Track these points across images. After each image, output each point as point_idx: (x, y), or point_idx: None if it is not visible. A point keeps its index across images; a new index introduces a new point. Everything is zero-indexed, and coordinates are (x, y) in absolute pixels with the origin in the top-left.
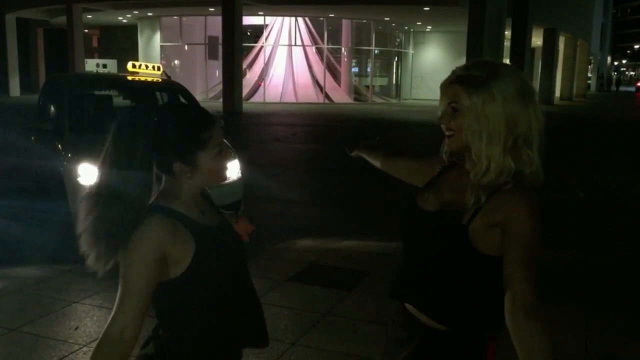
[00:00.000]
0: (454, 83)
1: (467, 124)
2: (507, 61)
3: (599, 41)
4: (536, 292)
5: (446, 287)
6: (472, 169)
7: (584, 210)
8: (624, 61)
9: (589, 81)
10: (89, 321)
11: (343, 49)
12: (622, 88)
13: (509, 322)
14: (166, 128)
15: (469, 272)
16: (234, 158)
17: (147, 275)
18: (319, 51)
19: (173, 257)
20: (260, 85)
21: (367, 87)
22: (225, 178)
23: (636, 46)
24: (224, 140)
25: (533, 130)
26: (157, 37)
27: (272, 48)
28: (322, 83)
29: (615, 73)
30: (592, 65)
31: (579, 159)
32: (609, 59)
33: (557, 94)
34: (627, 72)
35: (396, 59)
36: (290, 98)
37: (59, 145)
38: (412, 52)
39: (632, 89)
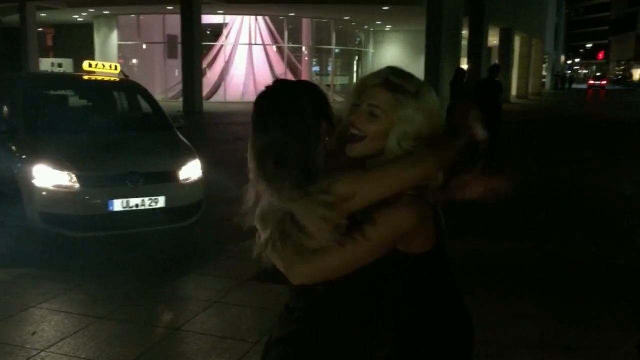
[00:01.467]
0: (383, 88)
1: (384, 133)
2: (465, 60)
3: (553, 40)
4: (313, 268)
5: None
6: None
7: (537, 203)
8: (577, 60)
9: (544, 80)
10: (46, 326)
11: (304, 48)
12: (575, 86)
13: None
14: (308, 93)
15: (399, 273)
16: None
17: None
18: (280, 50)
19: None
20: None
21: (328, 86)
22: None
23: (588, 45)
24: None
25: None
26: (115, 35)
27: (233, 47)
28: None
29: (569, 72)
30: (546, 64)
31: (536, 154)
32: (562, 57)
33: (514, 92)
34: (580, 71)
35: (357, 58)
36: (251, 97)
37: (13, 147)
38: (373, 51)
39: (585, 86)
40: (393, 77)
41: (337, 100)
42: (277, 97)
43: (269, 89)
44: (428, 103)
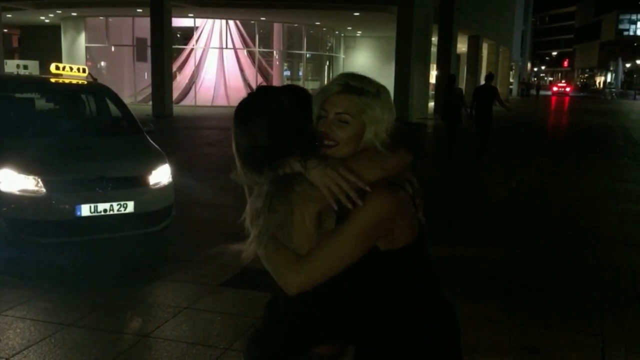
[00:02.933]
0: (349, 94)
1: (368, 135)
2: (434, 66)
3: (519, 48)
4: (309, 276)
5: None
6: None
7: (504, 208)
8: (542, 67)
9: (510, 86)
10: (11, 333)
11: (275, 52)
12: (542, 92)
13: (288, 255)
14: (298, 93)
15: (377, 271)
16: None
17: None
18: (251, 54)
19: None
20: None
21: None
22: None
23: (554, 53)
24: None
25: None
26: (82, 37)
27: (203, 51)
28: (254, 86)
29: (535, 79)
30: (513, 71)
31: (502, 161)
32: (529, 65)
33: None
34: (545, 78)
35: (328, 62)
36: (222, 101)
37: None
38: (344, 56)
39: (550, 92)
40: (352, 81)
41: None
42: (259, 101)
43: (250, 95)
44: (388, 100)
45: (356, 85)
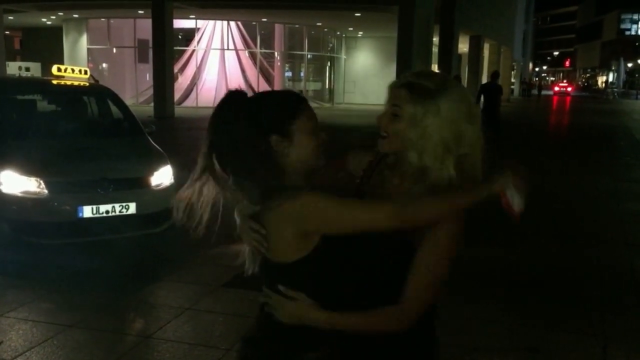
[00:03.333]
0: (403, 87)
1: (404, 132)
2: (435, 66)
3: (521, 48)
4: (419, 310)
5: (389, 289)
6: (404, 173)
7: (499, 209)
8: (544, 67)
9: (512, 86)
10: (14, 335)
11: (276, 53)
12: (544, 92)
13: (387, 309)
14: (261, 105)
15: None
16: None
17: None
18: (252, 55)
19: None
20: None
21: (301, 91)
22: (317, 159)
23: (555, 53)
24: (316, 124)
25: (477, 148)
26: (84, 39)
27: (205, 52)
28: (255, 87)
29: (537, 78)
30: (514, 71)
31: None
32: (530, 65)
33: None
34: (547, 78)
35: (329, 63)
36: None
37: None
38: (345, 57)
39: (552, 92)
40: (412, 77)
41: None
42: (222, 106)
43: (223, 97)
44: (449, 102)
45: (414, 82)
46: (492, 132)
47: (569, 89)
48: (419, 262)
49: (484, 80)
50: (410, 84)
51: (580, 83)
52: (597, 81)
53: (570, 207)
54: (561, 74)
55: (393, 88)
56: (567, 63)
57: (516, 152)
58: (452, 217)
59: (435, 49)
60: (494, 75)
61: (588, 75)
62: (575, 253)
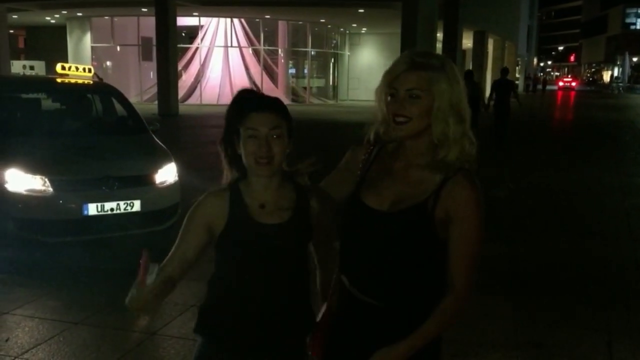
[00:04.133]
0: (416, 70)
1: (437, 108)
2: None
3: (525, 43)
4: (472, 287)
5: (408, 275)
6: (432, 151)
7: (508, 203)
8: (549, 62)
9: (517, 82)
10: (20, 332)
11: (280, 50)
12: (549, 87)
13: (444, 304)
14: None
15: (428, 257)
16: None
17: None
18: (256, 52)
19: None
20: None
21: (305, 88)
22: (254, 167)
23: (560, 48)
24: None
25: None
26: (88, 38)
27: (208, 49)
28: (259, 84)
29: (541, 74)
30: (519, 66)
31: (510, 157)
32: (535, 60)
33: (487, 94)
34: (552, 73)
35: (332, 60)
36: (227, 100)
37: None
38: (349, 53)
39: (556, 87)
40: (417, 57)
41: (313, 103)
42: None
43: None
44: (453, 73)
45: (422, 61)
46: (502, 128)
47: (573, 83)
48: (457, 246)
49: (489, 76)
50: (422, 65)
51: (585, 78)
52: (602, 76)
53: (576, 202)
54: (566, 69)
55: (400, 74)
56: (572, 58)
57: (520, 148)
58: (478, 205)
59: (439, 45)
60: (504, 71)
61: (593, 70)
62: (580, 248)
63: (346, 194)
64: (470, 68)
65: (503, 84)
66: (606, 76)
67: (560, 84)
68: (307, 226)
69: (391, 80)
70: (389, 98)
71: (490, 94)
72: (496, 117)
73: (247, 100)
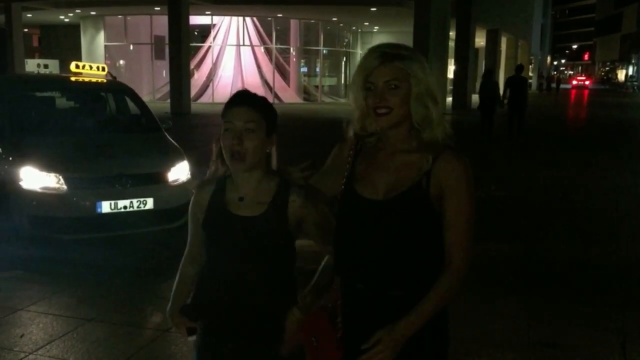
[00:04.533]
0: (390, 62)
1: (415, 94)
2: (452, 61)
3: (539, 41)
4: (470, 259)
5: (416, 259)
6: (413, 136)
7: (523, 202)
8: (562, 61)
9: (530, 80)
10: (34, 328)
11: (291, 49)
12: (563, 86)
13: (442, 279)
14: None
15: (432, 236)
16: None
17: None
18: (268, 51)
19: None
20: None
21: (316, 86)
22: (229, 162)
23: (574, 46)
24: (248, 128)
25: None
26: (101, 36)
27: (220, 48)
28: (271, 83)
29: (555, 72)
30: (532, 64)
31: (521, 156)
32: (548, 58)
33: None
34: (566, 71)
35: (344, 58)
36: None
37: (0, 149)
38: (361, 52)
39: (569, 86)
40: (388, 50)
41: (325, 101)
42: None
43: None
44: (425, 61)
45: (394, 53)
46: (518, 116)
47: (587, 82)
48: (451, 220)
49: (502, 75)
50: (396, 56)
51: (599, 76)
52: (616, 74)
53: (589, 202)
54: (580, 68)
55: (374, 69)
56: (586, 56)
57: (534, 147)
58: (468, 179)
59: (451, 44)
60: (518, 68)
61: (607, 68)
62: (594, 247)
63: (337, 191)
64: (489, 67)
65: (517, 81)
66: (621, 75)
67: (574, 82)
68: (283, 219)
69: (366, 76)
70: (366, 93)
71: (504, 91)
72: (510, 113)
73: (232, 98)
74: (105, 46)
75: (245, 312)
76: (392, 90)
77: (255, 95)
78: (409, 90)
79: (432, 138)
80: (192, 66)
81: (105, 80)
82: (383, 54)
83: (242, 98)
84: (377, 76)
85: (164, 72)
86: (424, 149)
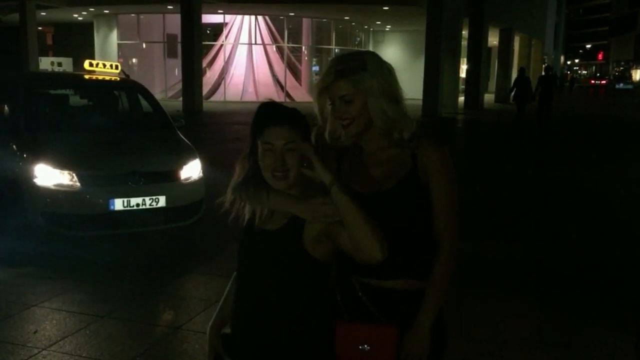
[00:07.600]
0: (341, 78)
1: (370, 103)
2: (464, 60)
3: (552, 41)
4: (458, 242)
5: (423, 245)
6: (388, 132)
7: (535, 202)
8: (576, 60)
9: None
10: (48, 324)
11: (303, 47)
12: (575, 85)
13: (442, 263)
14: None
15: (430, 222)
16: (283, 167)
17: None
18: (280, 50)
19: None
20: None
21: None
22: (271, 181)
23: (588, 45)
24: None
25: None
26: (114, 35)
27: (232, 46)
28: (282, 82)
29: (569, 72)
30: (546, 64)
31: (532, 156)
32: (562, 58)
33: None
34: (579, 71)
35: None
36: (251, 97)
37: (14, 146)
38: (372, 51)
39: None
40: (338, 66)
41: None
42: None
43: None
44: (376, 63)
45: (342, 68)
46: (546, 109)
47: (603, 82)
48: (436, 202)
49: (514, 74)
50: (343, 72)
51: (612, 77)
52: (631, 74)
53: (603, 202)
54: (594, 67)
55: (332, 84)
56: (600, 56)
57: (546, 146)
58: (448, 162)
59: (464, 43)
60: (547, 69)
61: (622, 68)
62: (608, 248)
63: None
64: (524, 66)
65: (547, 78)
66: (635, 75)
67: (592, 81)
68: (299, 231)
69: (326, 91)
70: (329, 106)
71: (537, 88)
72: (540, 106)
73: (265, 115)
74: (118, 44)
75: (265, 326)
76: (348, 103)
77: (288, 110)
78: (365, 98)
79: (402, 136)
80: (204, 64)
81: (118, 78)
82: (335, 70)
83: (279, 117)
84: (333, 93)
85: (177, 70)
86: (401, 144)
